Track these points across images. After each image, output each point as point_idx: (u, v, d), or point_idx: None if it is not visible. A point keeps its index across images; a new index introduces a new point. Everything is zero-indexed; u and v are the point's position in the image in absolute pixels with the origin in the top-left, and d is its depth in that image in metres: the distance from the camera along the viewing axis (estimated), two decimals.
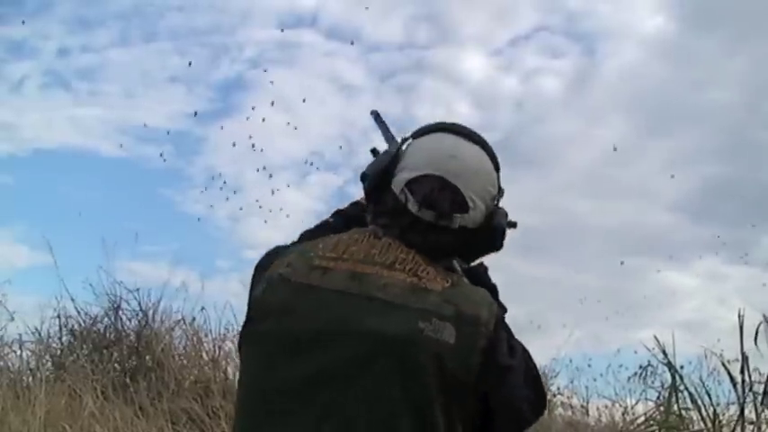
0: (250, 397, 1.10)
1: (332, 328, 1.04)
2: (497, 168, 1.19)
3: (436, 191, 1.12)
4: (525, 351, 1.11)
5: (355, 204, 1.32)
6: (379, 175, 1.17)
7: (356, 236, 1.13)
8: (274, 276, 1.10)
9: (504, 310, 1.17)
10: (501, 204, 1.20)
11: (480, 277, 1.21)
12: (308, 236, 1.24)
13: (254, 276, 1.16)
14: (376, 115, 1.47)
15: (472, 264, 1.23)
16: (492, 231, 1.17)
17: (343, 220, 1.28)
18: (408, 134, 1.22)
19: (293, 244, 1.22)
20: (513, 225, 1.20)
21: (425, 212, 1.12)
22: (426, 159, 1.15)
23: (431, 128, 1.20)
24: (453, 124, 1.20)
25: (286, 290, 1.09)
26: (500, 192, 1.19)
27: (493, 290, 1.19)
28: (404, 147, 1.20)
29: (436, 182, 1.12)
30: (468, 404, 1.03)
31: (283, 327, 1.07)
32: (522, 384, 1.08)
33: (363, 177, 1.19)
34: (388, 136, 1.44)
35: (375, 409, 1.00)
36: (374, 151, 1.24)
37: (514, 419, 1.09)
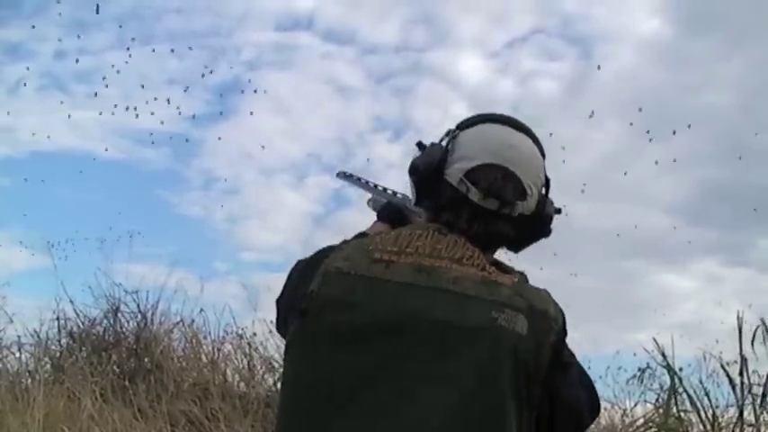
0: (310, 390, 1.05)
1: (399, 319, 1.02)
2: (544, 157, 1.21)
3: (500, 179, 1.12)
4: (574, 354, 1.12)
5: (361, 234, 1.29)
6: (433, 167, 1.15)
7: (418, 231, 1.11)
8: (331, 270, 1.08)
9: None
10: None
11: None
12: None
13: (301, 272, 1.13)
14: (343, 175, 1.53)
15: (519, 251, 1.24)
16: (544, 219, 1.19)
17: None
18: (453, 127, 1.20)
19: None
20: (559, 211, 1.22)
21: (490, 201, 1.12)
22: (484, 149, 1.14)
23: (478, 119, 1.19)
24: (501, 115, 1.20)
25: (345, 283, 1.06)
26: (547, 180, 1.21)
27: None
28: (451, 138, 1.18)
29: (499, 171, 1.13)
30: (534, 398, 1.03)
31: (344, 320, 1.04)
32: (579, 385, 1.10)
33: (414, 170, 1.19)
34: (367, 186, 1.49)
35: (448, 397, 0.99)
36: (420, 145, 1.21)
37: (574, 420, 1.11)
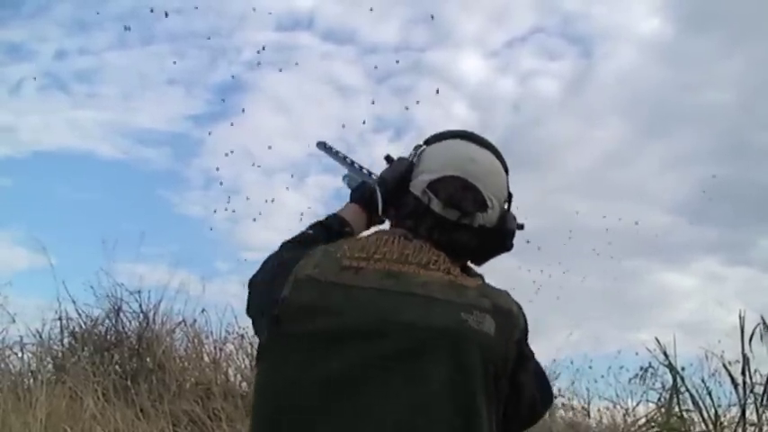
0: (286, 397, 1.06)
1: (370, 324, 1.05)
2: (507, 173, 1.26)
3: (460, 190, 1.18)
4: None
5: (333, 216, 1.33)
6: (398, 179, 1.22)
7: (385, 237, 1.16)
8: (301, 277, 1.10)
9: None
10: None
11: None
12: (290, 247, 1.24)
13: (273, 272, 1.15)
14: (323, 146, 1.55)
15: (483, 263, 1.27)
16: (505, 232, 1.24)
17: (325, 231, 1.28)
18: (421, 142, 1.27)
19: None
20: (521, 227, 1.26)
21: (449, 211, 1.17)
22: (447, 162, 1.20)
23: (444, 135, 1.26)
24: (466, 132, 1.26)
25: (316, 290, 1.08)
26: (510, 195, 1.26)
27: None
28: (418, 153, 1.24)
29: (459, 182, 1.18)
30: (501, 393, 1.08)
31: (316, 326, 1.06)
32: (535, 377, 1.15)
33: (381, 182, 1.24)
34: (344, 161, 1.51)
35: (423, 399, 1.01)
36: (388, 158, 1.28)
37: (530, 409, 1.16)
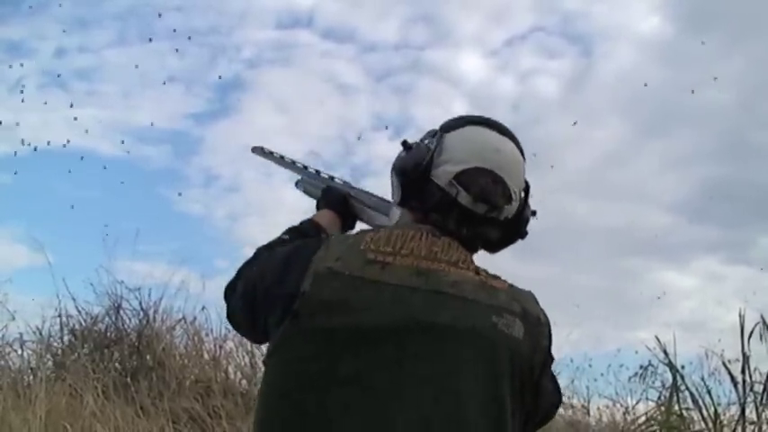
0: (298, 393, 1.02)
1: (398, 323, 1.02)
2: (524, 160, 1.22)
3: (490, 184, 1.13)
4: None
5: (308, 222, 1.30)
6: (420, 168, 1.15)
7: (411, 232, 1.11)
8: (322, 270, 1.05)
9: None
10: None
11: None
12: (264, 251, 1.19)
13: (282, 266, 1.10)
14: (261, 151, 1.49)
15: (495, 252, 1.24)
16: (522, 221, 1.21)
17: (301, 237, 1.22)
18: (437, 128, 1.20)
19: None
20: (534, 213, 1.23)
21: (479, 205, 1.13)
22: (472, 153, 1.15)
23: (461, 121, 1.19)
24: (484, 118, 1.20)
25: (339, 284, 1.04)
26: (527, 184, 1.22)
27: None
28: (437, 140, 1.17)
29: (489, 175, 1.13)
30: (527, 399, 1.07)
31: (342, 321, 1.02)
32: (552, 382, 1.16)
33: (401, 170, 1.18)
34: (292, 166, 1.46)
35: (446, 401, 0.99)
36: (405, 144, 1.20)
37: (546, 410, 1.16)
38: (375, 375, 1.00)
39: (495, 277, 1.12)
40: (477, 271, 1.10)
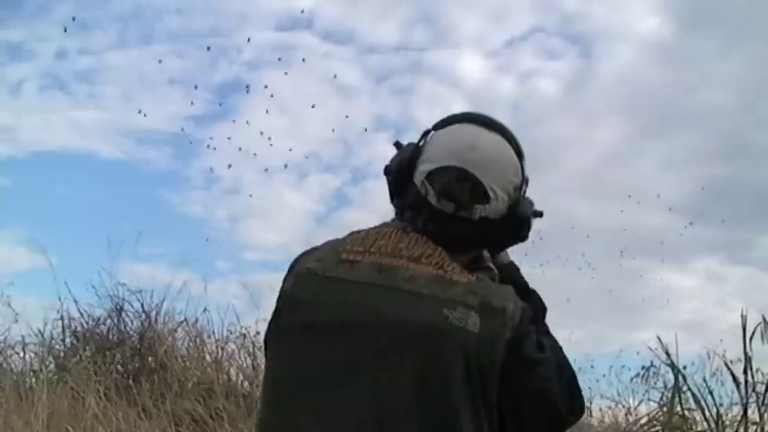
0: (275, 389, 1.12)
1: (355, 319, 1.06)
2: (521, 157, 1.18)
3: (453, 181, 1.12)
4: (559, 349, 1.12)
5: None
6: (401, 169, 1.17)
7: (385, 230, 1.14)
8: (303, 271, 1.13)
9: (545, 309, 1.20)
10: (527, 193, 1.19)
11: (512, 276, 1.23)
12: None
13: (286, 274, 1.18)
14: None
15: (500, 253, 1.25)
16: (516, 221, 1.17)
17: None
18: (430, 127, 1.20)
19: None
20: (540, 214, 1.19)
21: (445, 204, 1.12)
22: (446, 151, 1.14)
23: (452, 119, 1.18)
24: (474, 114, 1.18)
25: (313, 283, 1.11)
26: (525, 180, 1.18)
27: (525, 288, 1.21)
28: (426, 139, 1.19)
29: (454, 173, 1.12)
30: (491, 395, 1.03)
31: (308, 318, 1.08)
32: (554, 378, 1.07)
33: (387, 171, 1.20)
34: None
35: (401, 394, 1.01)
36: (397, 144, 1.22)
37: (547, 414, 1.07)
38: (332, 372, 1.04)
39: (482, 269, 1.13)
40: (441, 265, 1.08)
